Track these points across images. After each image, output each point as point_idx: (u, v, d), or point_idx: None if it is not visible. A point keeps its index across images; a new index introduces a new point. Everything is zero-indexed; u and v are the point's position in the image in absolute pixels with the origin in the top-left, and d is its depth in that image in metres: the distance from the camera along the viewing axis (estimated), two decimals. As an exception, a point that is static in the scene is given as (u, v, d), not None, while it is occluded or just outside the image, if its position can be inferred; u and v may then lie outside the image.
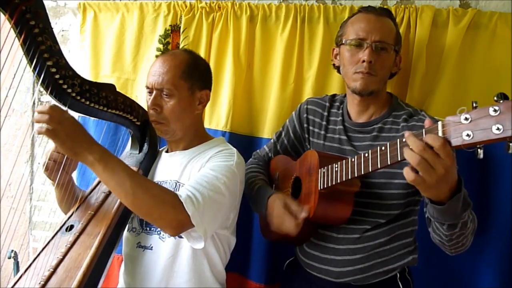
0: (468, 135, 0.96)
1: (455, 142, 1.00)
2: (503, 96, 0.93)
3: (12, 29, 1.17)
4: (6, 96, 2.24)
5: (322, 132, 1.76)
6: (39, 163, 2.51)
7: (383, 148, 1.24)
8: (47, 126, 1.22)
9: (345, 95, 1.78)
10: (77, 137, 1.28)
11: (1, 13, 1.14)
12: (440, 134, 1.02)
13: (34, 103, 2.50)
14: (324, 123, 1.77)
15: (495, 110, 0.92)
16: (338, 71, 1.76)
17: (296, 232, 1.52)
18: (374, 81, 1.59)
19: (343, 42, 1.66)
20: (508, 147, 0.94)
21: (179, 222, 1.37)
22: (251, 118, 2.20)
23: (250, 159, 1.97)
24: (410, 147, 1.06)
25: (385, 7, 1.98)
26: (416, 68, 1.96)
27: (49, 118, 1.22)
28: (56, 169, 1.54)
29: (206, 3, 2.17)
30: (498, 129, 0.91)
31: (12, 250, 1.84)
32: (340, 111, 1.76)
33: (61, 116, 1.26)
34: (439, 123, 1.03)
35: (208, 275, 1.61)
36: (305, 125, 1.82)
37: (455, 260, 1.69)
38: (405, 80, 1.99)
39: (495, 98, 0.94)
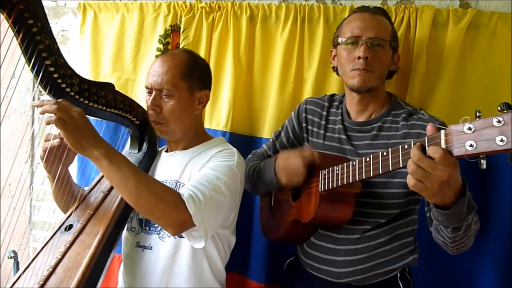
0: (471, 145, 0.95)
1: (457, 152, 0.99)
2: (507, 106, 0.92)
3: (10, 28, 1.17)
4: (5, 95, 2.24)
5: (322, 132, 1.76)
6: (38, 163, 2.51)
7: (385, 153, 1.24)
8: (56, 115, 1.22)
9: (344, 95, 1.78)
10: (84, 131, 1.27)
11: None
12: (443, 143, 1.02)
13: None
14: (323, 122, 1.77)
15: (499, 121, 0.91)
16: (337, 73, 1.76)
17: (304, 169, 1.55)
18: (371, 78, 1.60)
19: (339, 42, 1.68)
20: (511, 158, 0.94)
21: (180, 221, 1.37)
22: (251, 118, 2.20)
23: (249, 156, 1.97)
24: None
25: (384, 7, 1.99)
26: (416, 68, 1.96)
27: (57, 108, 1.22)
28: (53, 160, 1.53)
29: (206, 3, 2.17)
30: (501, 140, 0.90)
31: (12, 250, 1.84)
32: (340, 111, 1.76)
33: (70, 107, 1.26)
34: (442, 132, 1.03)
35: (208, 275, 1.60)
36: (304, 125, 1.83)
37: (455, 259, 1.69)
38: (405, 80, 1.99)
39: (499, 108, 0.93)
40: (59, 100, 1.26)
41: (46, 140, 1.52)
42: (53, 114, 1.22)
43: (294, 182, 1.61)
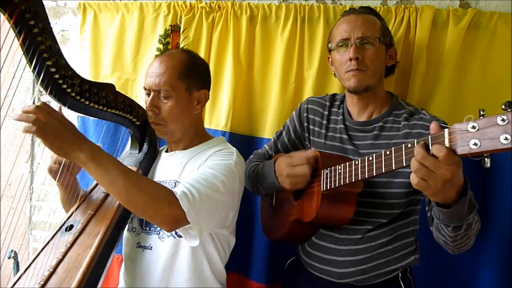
0: (475, 144, 0.96)
1: (461, 150, 0.99)
2: (511, 105, 0.92)
3: (11, 28, 1.17)
4: (6, 95, 2.23)
5: (323, 131, 1.76)
6: (39, 163, 2.51)
7: (387, 152, 1.24)
8: (35, 126, 1.19)
9: (345, 95, 1.78)
10: (66, 136, 1.24)
11: (1, 13, 1.14)
12: (446, 142, 1.02)
13: (34, 103, 2.50)
14: (324, 122, 1.77)
15: (503, 120, 0.91)
16: None
17: (310, 171, 1.56)
18: (366, 76, 1.61)
19: (330, 47, 1.71)
20: None
21: (173, 218, 1.36)
22: (251, 118, 2.20)
23: (251, 156, 1.97)
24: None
25: (384, 7, 2.00)
26: (416, 68, 1.96)
27: (35, 119, 1.19)
28: (61, 171, 1.54)
29: (206, 3, 2.17)
30: (506, 138, 0.90)
31: (12, 250, 1.84)
32: (341, 110, 1.76)
33: (48, 116, 1.22)
34: (446, 130, 1.03)
35: (208, 274, 1.60)
36: (306, 124, 1.83)
37: (455, 259, 1.69)
38: (405, 80, 1.99)
39: (503, 107, 0.92)
40: (37, 105, 1.22)
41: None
42: (31, 124, 1.19)
43: (299, 187, 1.63)
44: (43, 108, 1.23)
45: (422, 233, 1.62)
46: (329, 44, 1.72)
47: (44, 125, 1.20)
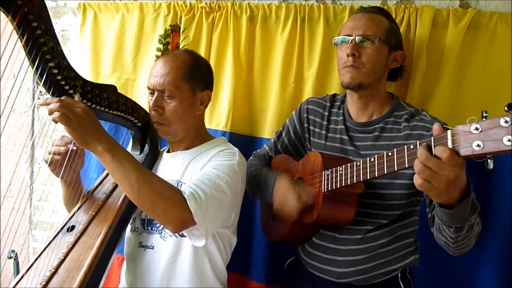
0: (478, 145, 0.96)
1: (464, 152, 0.99)
2: None
3: (14, 30, 1.17)
4: (9, 96, 2.23)
5: (323, 132, 1.76)
6: (39, 164, 2.51)
7: (390, 153, 1.24)
8: (60, 112, 1.22)
9: (345, 95, 1.78)
10: (88, 126, 1.28)
11: (4, 14, 1.14)
12: (449, 143, 1.03)
13: (34, 103, 2.50)
14: (325, 123, 1.77)
15: (506, 121, 0.91)
16: None
17: (296, 214, 1.55)
18: (360, 74, 1.61)
19: (333, 43, 1.72)
20: None
21: (181, 219, 1.37)
22: (251, 118, 2.21)
23: (251, 157, 1.97)
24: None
25: (384, 7, 1.99)
26: (416, 68, 1.96)
27: (60, 105, 1.23)
28: (60, 164, 1.53)
29: (206, 3, 2.17)
30: (509, 140, 0.91)
31: (13, 250, 1.84)
32: (341, 111, 1.76)
33: (74, 104, 1.27)
34: (449, 132, 1.03)
35: (210, 274, 1.61)
36: (306, 125, 1.83)
37: (455, 260, 1.69)
38: (405, 80, 1.98)
39: (506, 109, 0.93)
40: (62, 97, 1.27)
41: (54, 145, 1.54)
42: (57, 111, 1.23)
43: (286, 217, 1.63)
44: (69, 98, 1.29)
45: (422, 233, 1.63)
46: (333, 40, 1.72)
47: (70, 112, 1.24)
